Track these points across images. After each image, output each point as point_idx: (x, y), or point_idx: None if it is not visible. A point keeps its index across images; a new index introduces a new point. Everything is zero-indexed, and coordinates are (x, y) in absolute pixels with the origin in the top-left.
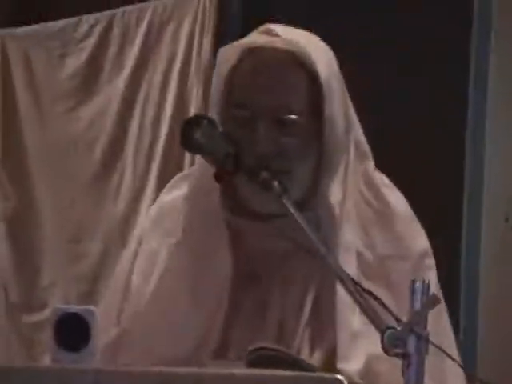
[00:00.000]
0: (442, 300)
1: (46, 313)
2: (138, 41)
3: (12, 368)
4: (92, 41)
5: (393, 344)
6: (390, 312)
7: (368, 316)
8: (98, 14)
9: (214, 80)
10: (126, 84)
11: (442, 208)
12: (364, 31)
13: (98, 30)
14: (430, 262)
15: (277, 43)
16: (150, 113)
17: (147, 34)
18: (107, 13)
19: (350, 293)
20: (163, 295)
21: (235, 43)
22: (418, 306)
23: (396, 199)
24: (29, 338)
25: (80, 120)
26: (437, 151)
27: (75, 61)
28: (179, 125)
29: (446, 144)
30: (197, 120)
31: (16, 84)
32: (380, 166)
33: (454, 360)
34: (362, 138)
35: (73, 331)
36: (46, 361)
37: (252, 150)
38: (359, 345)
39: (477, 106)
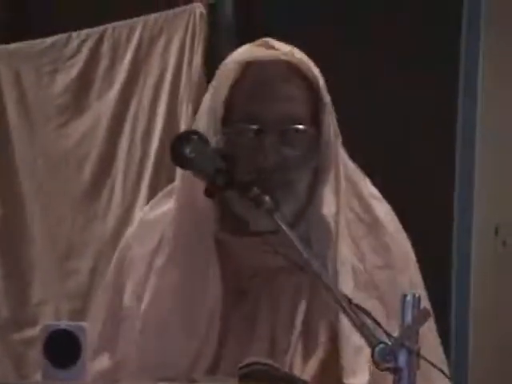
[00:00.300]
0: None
1: (37, 329)
2: (129, 56)
3: None
4: (82, 56)
5: (383, 359)
6: (381, 327)
7: (360, 331)
8: (88, 30)
9: (212, 96)
10: (117, 99)
11: (433, 219)
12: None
13: (88, 45)
14: (418, 273)
15: (277, 55)
16: (140, 128)
17: (137, 49)
18: (98, 28)
19: (343, 308)
20: (155, 318)
21: (234, 58)
22: (408, 320)
23: (384, 211)
24: (19, 355)
25: (70, 136)
26: (426, 162)
27: (65, 77)
28: (170, 140)
29: (436, 154)
30: (187, 136)
31: (6, 100)
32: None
33: (445, 375)
34: (343, 151)
35: (63, 348)
36: (36, 378)
37: (254, 162)
38: (363, 357)
39: (466, 112)
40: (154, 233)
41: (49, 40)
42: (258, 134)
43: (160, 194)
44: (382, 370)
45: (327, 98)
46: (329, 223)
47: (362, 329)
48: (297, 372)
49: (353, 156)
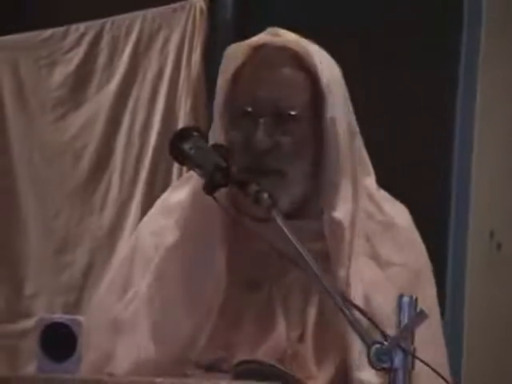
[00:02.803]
0: (439, 316)
1: (31, 322)
2: (128, 50)
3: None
4: (81, 50)
5: (379, 359)
6: (377, 327)
7: (355, 330)
8: (88, 23)
9: (220, 79)
10: (115, 93)
11: (429, 222)
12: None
13: (87, 39)
14: (431, 275)
15: (281, 42)
16: (139, 123)
17: (137, 44)
18: (96, 22)
19: (339, 307)
20: (155, 300)
21: (241, 42)
22: (405, 320)
23: (398, 212)
24: (12, 347)
25: (68, 129)
26: (423, 164)
27: (64, 70)
28: (167, 136)
29: (432, 155)
30: (187, 132)
31: (4, 92)
32: None
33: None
34: (364, 152)
35: (59, 341)
36: (29, 370)
37: (248, 145)
38: None
39: (465, 112)
40: (168, 217)
41: (47, 32)
42: (253, 116)
43: (182, 178)
44: (377, 370)
45: (333, 90)
46: (341, 222)
47: (357, 328)
48: (310, 366)
49: None
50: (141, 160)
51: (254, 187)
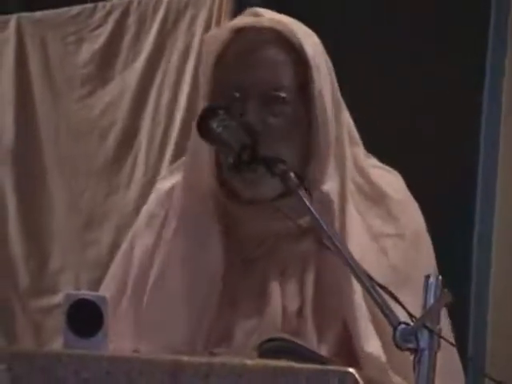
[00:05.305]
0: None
1: (55, 298)
2: (155, 28)
3: (24, 353)
4: (108, 27)
5: (405, 339)
6: (404, 307)
7: (381, 310)
8: (114, 1)
9: (202, 67)
10: (142, 71)
11: (454, 209)
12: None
13: (114, 16)
14: (427, 241)
15: (263, 22)
16: (165, 101)
17: (164, 22)
18: (123, 0)
19: (364, 285)
20: (162, 291)
21: (221, 26)
22: (430, 301)
23: (388, 181)
24: (37, 322)
25: (94, 106)
26: (449, 152)
27: (91, 47)
28: (193, 114)
29: (459, 143)
30: (214, 110)
31: (31, 68)
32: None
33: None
34: (352, 124)
35: (86, 317)
36: (54, 346)
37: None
38: (370, 324)
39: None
40: (161, 207)
41: (75, 9)
42: (241, 102)
43: (174, 166)
44: (403, 350)
45: (319, 66)
46: (330, 198)
47: (383, 308)
48: (311, 341)
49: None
50: (166, 138)
51: (280, 166)
